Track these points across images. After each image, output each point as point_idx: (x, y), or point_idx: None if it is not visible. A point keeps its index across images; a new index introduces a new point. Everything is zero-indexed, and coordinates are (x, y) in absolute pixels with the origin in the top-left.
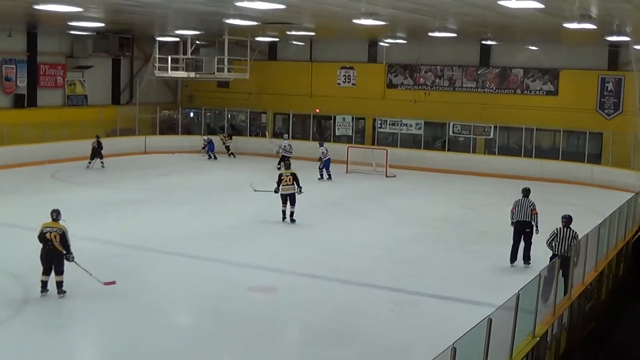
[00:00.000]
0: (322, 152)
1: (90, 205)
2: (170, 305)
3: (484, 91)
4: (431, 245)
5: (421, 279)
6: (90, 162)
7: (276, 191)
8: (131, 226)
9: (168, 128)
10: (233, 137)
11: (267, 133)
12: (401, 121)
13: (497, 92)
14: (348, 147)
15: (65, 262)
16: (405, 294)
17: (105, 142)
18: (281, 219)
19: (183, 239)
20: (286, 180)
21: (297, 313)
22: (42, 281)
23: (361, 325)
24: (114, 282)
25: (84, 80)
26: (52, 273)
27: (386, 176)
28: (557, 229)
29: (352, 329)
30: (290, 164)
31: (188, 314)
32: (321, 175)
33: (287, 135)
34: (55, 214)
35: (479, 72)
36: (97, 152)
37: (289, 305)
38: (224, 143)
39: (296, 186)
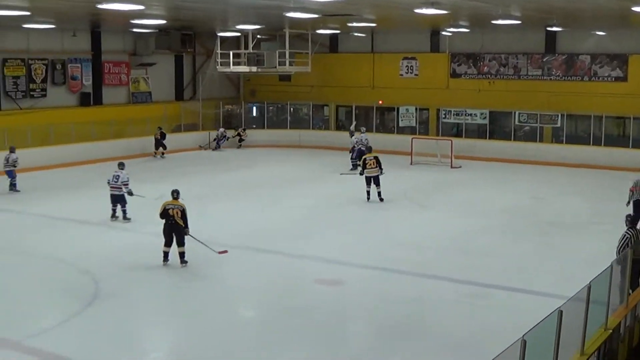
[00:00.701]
0: (357, 141)
1: (155, 201)
2: (238, 299)
3: (550, 79)
4: (499, 236)
5: (490, 270)
6: (155, 153)
7: (361, 173)
8: (197, 222)
9: (231, 123)
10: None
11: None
12: (465, 111)
13: (564, 80)
14: (412, 139)
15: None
16: (474, 286)
17: (169, 138)
18: (366, 199)
19: (250, 234)
20: (370, 164)
21: (366, 306)
22: (164, 252)
23: (431, 318)
24: (226, 251)
25: (147, 78)
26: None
27: (451, 167)
28: (628, 232)
29: (421, 322)
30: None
31: (256, 308)
32: (355, 166)
33: (364, 128)
34: (176, 194)
35: (544, 60)
36: (159, 143)
37: (358, 298)
38: (240, 137)
39: (379, 168)
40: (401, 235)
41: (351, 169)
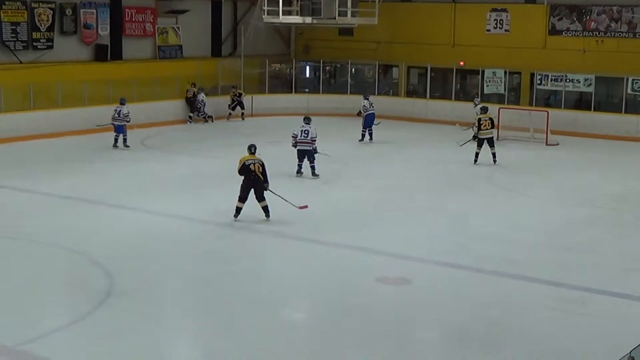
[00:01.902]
0: (364, 106)
1: (186, 178)
2: (283, 298)
3: None
4: (605, 230)
5: (592, 271)
6: (190, 117)
7: (475, 136)
8: (235, 203)
9: (280, 85)
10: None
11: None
12: (566, 76)
13: None
14: (499, 109)
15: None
16: (571, 289)
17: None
18: (473, 162)
19: (298, 219)
20: (485, 125)
21: (435, 310)
22: (237, 207)
23: (514, 326)
24: (306, 207)
25: (178, 28)
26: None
27: (547, 144)
28: None
29: (503, 330)
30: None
31: (305, 309)
32: (362, 135)
33: (478, 100)
34: (254, 148)
35: None
36: (192, 104)
37: (426, 300)
38: (235, 98)
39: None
40: (484, 227)
41: (360, 140)
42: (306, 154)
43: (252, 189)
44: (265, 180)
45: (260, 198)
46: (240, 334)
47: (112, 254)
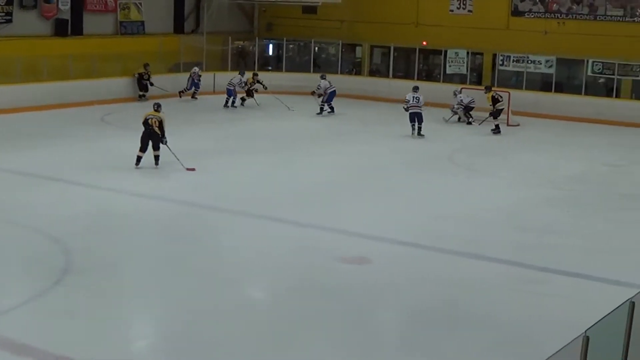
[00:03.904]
0: (320, 86)
1: (150, 155)
2: (245, 276)
3: (634, 20)
4: (564, 210)
5: (551, 251)
6: (141, 96)
7: (492, 114)
8: (200, 181)
9: (242, 63)
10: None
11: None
12: (528, 57)
13: None
14: (461, 89)
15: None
16: (531, 269)
17: (166, 79)
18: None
19: (262, 198)
20: (498, 98)
21: (396, 289)
22: (137, 156)
23: (475, 306)
24: (194, 169)
25: (140, 4)
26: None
27: (508, 124)
28: None
29: (463, 310)
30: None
31: (266, 288)
32: (321, 109)
33: (458, 90)
34: (157, 106)
35: None
36: (140, 84)
37: (388, 279)
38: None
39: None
40: (444, 207)
41: (318, 114)
42: (416, 116)
43: (150, 140)
44: (163, 135)
45: (155, 148)
46: (200, 314)
47: (70, 232)
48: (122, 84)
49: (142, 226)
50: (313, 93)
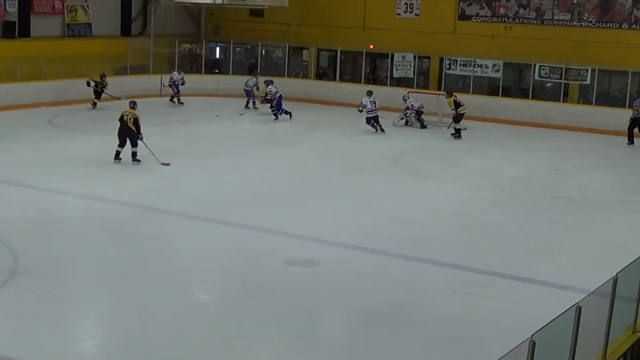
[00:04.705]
0: (270, 91)
1: (97, 157)
2: (191, 278)
3: (581, 25)
4: (509, 213)
5: (495, 254)
6: (95, 104)
7: (455, 117)
8: (147, 184)
9: (189, 65)
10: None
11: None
12: (475, 61)
13: (598, 27)
14: (408, 92)
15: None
16: (474, 272)
17: (113, 81)
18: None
19: (208, 200)
20: (460, 102)
21: (342, 291)
22: (116, 151)
23: (419, 308)
24: (168, 164)
25: (87, 6)
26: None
27: (449, 129)
28: None
29: (408, 312)
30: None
31: (212, 290)
32: (276, 115)
33: (407, 95)
34: (133, 104)
35: (574, 1)
36: (97, 92)
37: (333, 282)
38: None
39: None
40: (389, 209)
41: (275, 119)
42: (374, 119)
43: (127, 136)
44: (138, 131)
45: (133, 144)
46: (147, 316)
47: (16, 233)
48: (70, 86)
49: (88, 228)
50: (263, 101)
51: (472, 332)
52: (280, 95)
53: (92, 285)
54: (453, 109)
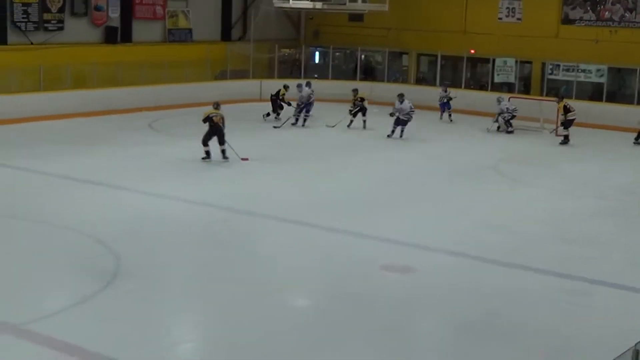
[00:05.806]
0: (309, 95)
1: (192, 161)
2: (283, 283)
3: None
4: (612, 222)
5: (597, 263)
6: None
7: (563, 123)
8: (239, 187)
9: (289, 70)
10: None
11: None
12: (578, 66)
13: None
14: (509, 98)
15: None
16: (576, 281)
17: (212, 86)
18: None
19: (302, 204)
20: (571, 108)
21: (440, 299)
22: (206, 151)
23: (519, 317)
24: (247, 159)
25: (188, 12)
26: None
27: (557, 135)
28: None
29: (507, 322)
30: None
31: (304, 295)
32: (296, 120)
33: (502, 97)
34: (217, 105)
35: None
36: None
37: (431, 289)
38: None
39: None
40: (489, 216)
41: (293, 124)
42: (404, 123)
43: (215, 136)
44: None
45: (221, 142)
46: (242, 319)
47: (116, 235)
48: (170, 91)
49: (184, 231)
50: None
51: (573, 340)
52: (313, 101)
53: (188, 289)
54: (562, 114)
